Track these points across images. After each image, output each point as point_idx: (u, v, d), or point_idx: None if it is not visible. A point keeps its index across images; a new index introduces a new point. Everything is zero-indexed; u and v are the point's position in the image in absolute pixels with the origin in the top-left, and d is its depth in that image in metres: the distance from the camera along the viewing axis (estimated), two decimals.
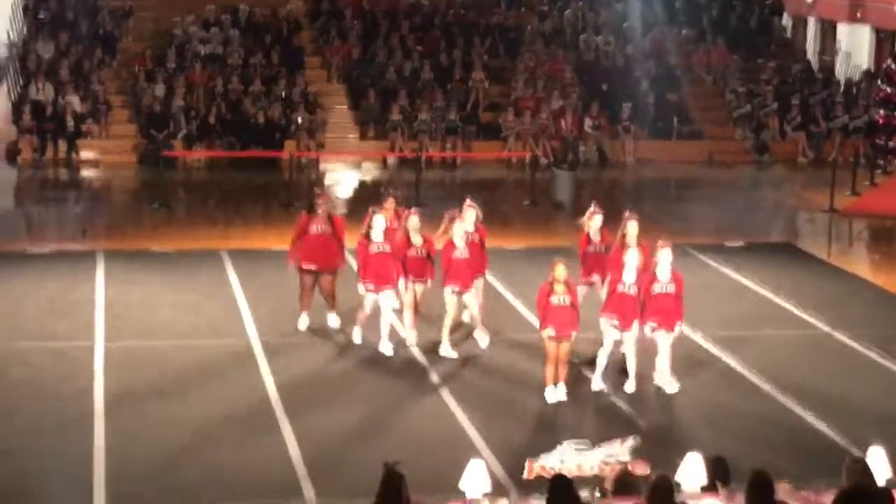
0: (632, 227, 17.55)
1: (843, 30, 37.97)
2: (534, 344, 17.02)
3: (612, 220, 18.30)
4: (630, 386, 16.52)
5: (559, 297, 16.00)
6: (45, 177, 30.72)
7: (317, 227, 18.45)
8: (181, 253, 22.92)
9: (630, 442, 13.02)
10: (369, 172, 32.12)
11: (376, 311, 17.92)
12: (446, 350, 17.74)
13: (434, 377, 17.08)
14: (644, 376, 16.75)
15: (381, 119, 33.50)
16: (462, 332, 18.42)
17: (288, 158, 30.12)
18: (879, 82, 33.46)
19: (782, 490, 11.17)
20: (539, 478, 12.65)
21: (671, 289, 16.42)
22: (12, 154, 31.35)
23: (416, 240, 17.98)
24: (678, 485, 11.40)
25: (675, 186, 32.17)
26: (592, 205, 18.58)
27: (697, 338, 18.36)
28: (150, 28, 35.77)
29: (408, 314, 18.23)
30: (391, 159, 32.76)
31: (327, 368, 17.45)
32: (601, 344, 16.64)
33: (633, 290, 16.42)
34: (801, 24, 39.77)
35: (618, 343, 16.61)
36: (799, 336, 19.27)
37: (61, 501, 13.38)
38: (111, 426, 15.11)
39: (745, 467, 11.17)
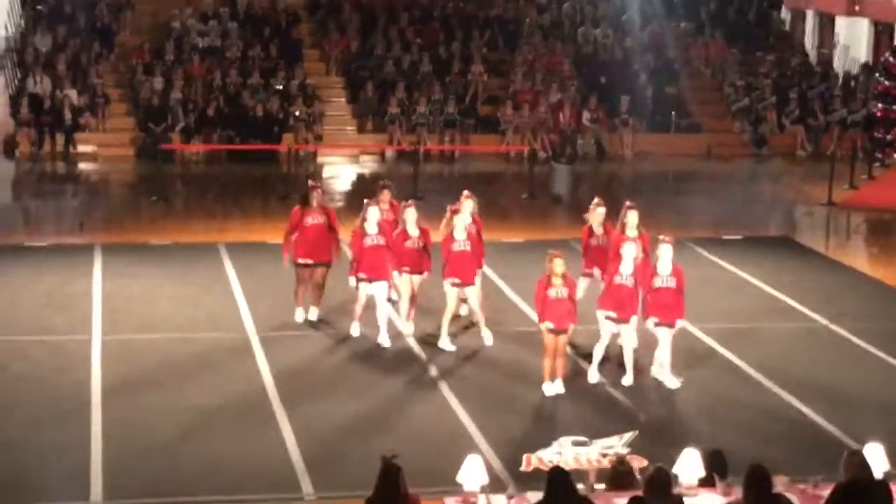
0: (632, 217, 17.60)
1: (841, 23, 37.96)
2: (532, 337, 17.01)
3: (611, 214, 18.28)
4: (628, 379, 16.51)
5: (557, 290, 15.98)
6: (43, 170, 30.70)
7: (312, 219, 18.44)
8: (179, 246, 22.92)
9: (628, 436, 13.03)
10: (367, 165, 32.11)
11: (371, 304, 17.91)
12: (445, 343, 17.73)
13: (432, 370, 17.08)
14: (643, 370, 16.74)
15: (379, 112, 33.50)
16: (459, 325, 18.40)
17: (286, 151, 30.11)
18: (878, 75, 33.45)
19: (780, 483, 11.18)
20: (537, 471, 12.65)
21: (672, 283, 16.39)
22: (10, 147, 31.34)
23: (413, 231, 17.98)
24: (676, 477, 11.39)
25: (673, 180, 32.15)
26: (595, 197, 18.57)
27: (695, 331, 18.33)
28: (147, 21, 35.73)
29: (404, 306, 18.24)
30: (389, 152, 32.75)
31: (325, 361, 17.45)
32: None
33: (629, 282, 16.41)
34: (799, 17, 39.75)
35: (615, 336, 16.61)
36: (797, 329, 19.27)
37: (59, 493, 13.37)
38: (108, 419, 15.10)
39: (742, 460, 11.18)
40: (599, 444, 12.87)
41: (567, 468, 11.36)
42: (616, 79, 35.14)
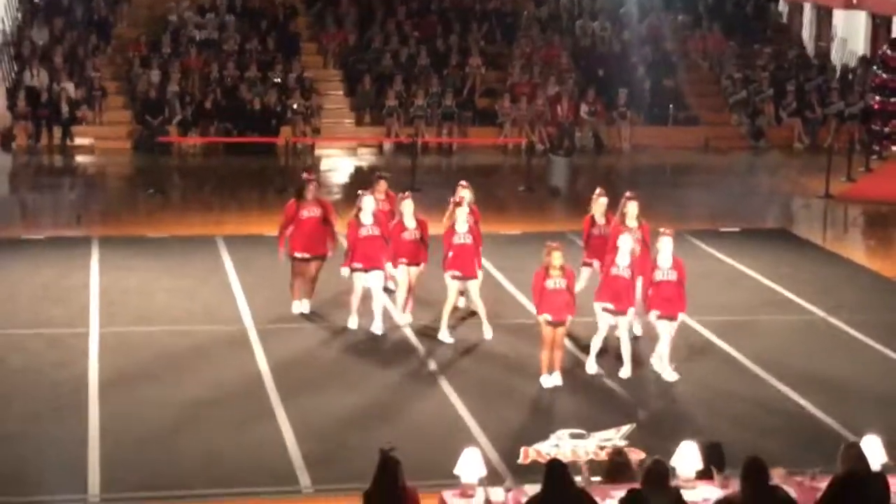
0: (632, 207, 17.61)
1: (838, 15, 37.93)
2: (530, 329, 17.00)
3: (610, 206, 18.27)
4: (625, 371, 16.51)
5: (555, 281, 15.97)
6: (40, 163, 30.68)
7: (308, 212, 18.44)
8: (176, 239, 22.90)
9: (625, 428, 13.04)
10: (365, 158, 32.10)
11: (368, 296, 17.93)
12: (444, 335, 17.72)
13: (430, 362, 17.07)
14: (642, 362, 16.75)
15: (376, 105, 33.48)
16: (457, 317, 18.38)
17: (283, 144, 30.09)
18: (875, 68, 33.46)
19: (777, 475, 11.19)
20: (534, 463, 12.65)
21: (673, 276, 16.38)
22: (7, 140, 31.30)
23: (410, 223, 17.98)
24: (673, 470, 11.40)
25: (671, 172, 32.15)
26: (598, 188, 18.58)
27: (693, 323, 18.33)
28: (144, 14, 35.70)
29: (401, 297, 18.25)
30: (387, 145, 32.75)
31: (322, 354, 17.44)
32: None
33: (626, 273, 16.40)
34: (796, 9, 39.73)
35: (613, 328, 16.60)
36: (794, 321, 19.27)
37: (56, 486, 13.34)
38: (106, 412, 15.09)
39: (740, 453, 11.19)
40: (597, 437, 12.87)
41: (565, 461, 11.37)
42: (614, 71, 35.14)
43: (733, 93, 35.46)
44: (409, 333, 18.06)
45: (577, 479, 11.32)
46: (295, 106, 32.37)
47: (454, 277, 17.65)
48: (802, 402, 15.90)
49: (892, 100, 32.38)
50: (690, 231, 23.48)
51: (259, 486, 13.36)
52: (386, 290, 18.55)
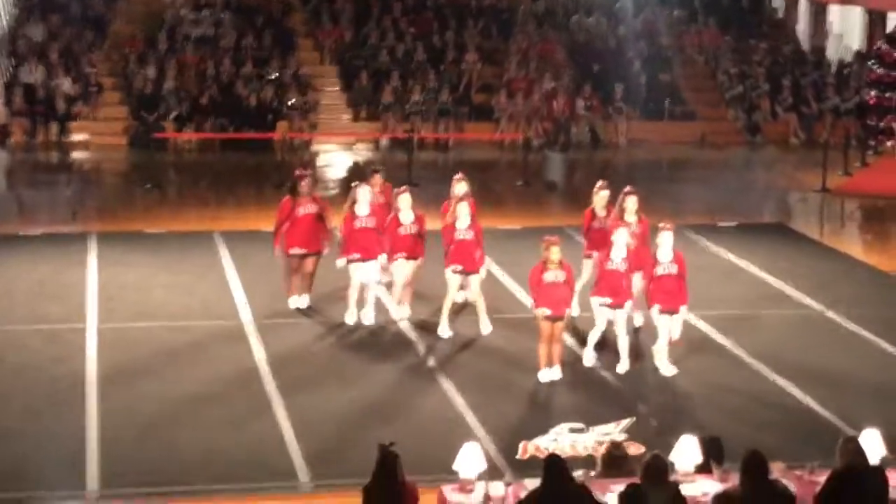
0: (631, 202, 17.63)
1: (834, 11, 37.93)
2: (528, 323, 16.99)
3: (609, 201, 18.28)
4: (623, 366, 16.51)
5: (553, 275, 15.96)
6: (36, 159, 30.64)
7: (303, 209, 18.44)
8: (173, 234, 22.90)
9: (624, 423, 13.07)
10: (362, 154, 32.08)
11: (365, 288, 17.95)
12: (444, 330, 17.72)
13: (428, 357, 17.07)
14: (640, 356, 16.76)
15: (373, 101, 33.47)
16: (453, 311, 18.36)
17: (280, 140, 30.08)
18: (871, 63, 33.46)
19: (776, 470, 11.20)
20: (533, 458, 12.70)
21: (673, 269, 16.38)
22: (3, 136, 31.28)
23: (407, 217, 17.97)
24: (672, 464, 11.41)
25: (667, 167, 32.15)
26: (599, 180, 18.59)
27: (690, 318, 18.33)
28: (140, 10, 35.66)
29: (398, 292, 18.25)
30: (383, 140, 32.73)
31: (320, 349, 17.44)
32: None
33: (622, 267, 16.39)
34: (792, 5, 39.72)
35: (611, 322, 16.59)
36: (792, 316, 19.28)
37: (55, 482, 13.34)
38: (104, 408, 15.09)
39: (739, 447, 11.20)
40: (596, 431, 12.94)
41: (564, 455, 11.38)
42: (610, 67, 35.13)
43: (729, 88, 35.47)
44: (406, 328, 18.06)
45: (577, 473, 11.32)
46: (291, 102, 32.36)
47: (455, 272, 17.65)
48: (800, 395, 15.92)
49: (888, 95, 32.38)
50: (687, 226, 23.47)
51: (258, 482, 13.36)
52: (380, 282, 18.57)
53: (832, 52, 37.58)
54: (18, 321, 18.23)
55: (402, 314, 18.28)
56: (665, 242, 16.43)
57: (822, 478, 11.14)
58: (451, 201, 18.57)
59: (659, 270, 16.36)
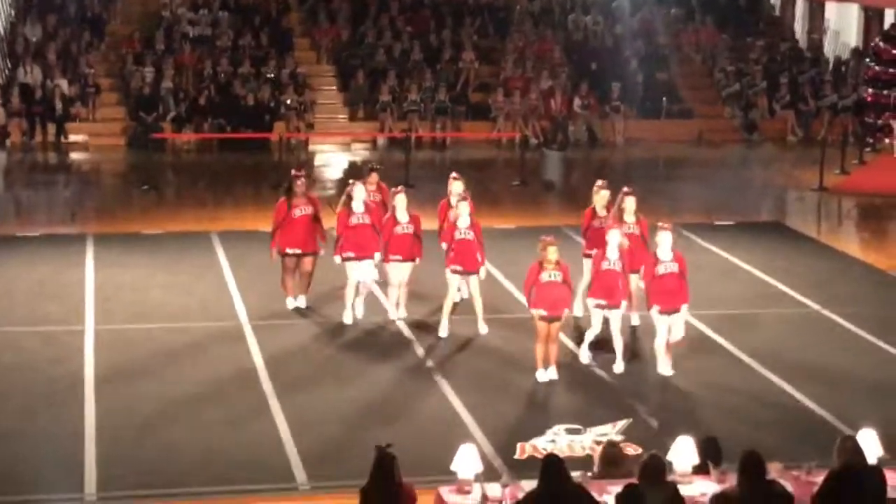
0: (629, 202, 17.65)
1: (831, 8, 37.95)
2: (525, 324, 16.99)
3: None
4: (619, 366, 16.50)
5: (549, 275, 15.96)
6: (34, 160, 30.66)
7: (299, 210, 18.46)
8: (171, 235, 22.89)
9: (621, 423, 13.07)
10: (359, 153, 32.07)
11: (361, 287, 17.99)
12: (444, 330, 17.71)
13: (425, 357, 17.07)
14: (637, 356, 16.76)
15: (370, 100, 33.47)
16: (455, 312, 18.38)
17: (277, 140, 30.09)
18: (868, 61, 33.47)
19: (774, 470, 11.20)
20: (531, 458, 12.70)
21: (674, 268, 16.37)
22: (1, 137, 31.27)
23: (403, 217, 17.97)
24: (670, 465, 11.41)
25: (664, 165, 32.16)
26: (599, 180, 18.60)
27: (688, 317, 18.32)
28: (138, 10, 35.66)
29: (394, 292, 18.25)
30: (381, 140, 32.76)
31: (318, 349, 17.45)
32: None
33: (617, 267, 16.40)
34: (789, 2, 39.74)
35: (607, 322, 16.59)
36: (789, 314, 19.29)
37: (53, 485, 13.33)
38: (102, 409, 15.09)
39: (736, 447, 11.21)
40: (593, 432, 12.94)
41: (561, 455, 11.38)
42: (607, 65, 35.13)
43: (726, 86, 35.48)
44: (404, 328, 18.07)
45: (575, 474, 11.32)
46: (288, 101, 32.37)
47: (455, 272, 17.65)
48: (797, 394, 15.92)
49: (886, 92, 32.40)
50: (684, 224, 23.48)
51: (256, 484, 13.35)
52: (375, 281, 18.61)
53: (829, 50, 37.61)
54: (16, 322, 18.22)
55: (399, 314, 18.28)
56: (664, 242, 16.42)
57: (819, 478, 11.14)
58: (447, 200, 18.60)
59: (660, 270, 16.35)
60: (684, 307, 16.46)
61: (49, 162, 30.74)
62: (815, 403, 15.60)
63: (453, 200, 18.46)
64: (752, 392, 16.09)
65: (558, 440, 13.16)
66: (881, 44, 32.52)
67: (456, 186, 18.59)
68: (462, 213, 17.68)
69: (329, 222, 18.77)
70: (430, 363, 16.89)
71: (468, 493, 11.42)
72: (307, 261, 18.54)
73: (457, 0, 36.98)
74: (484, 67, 35.13)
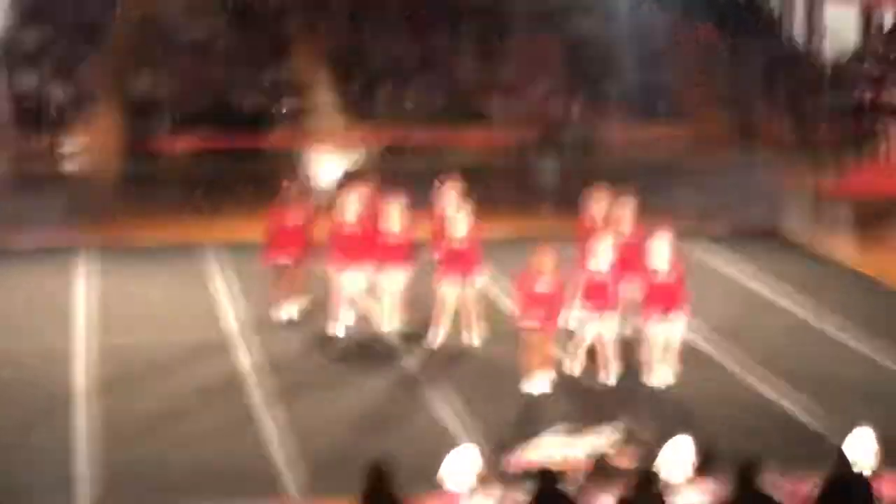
0: (625, 209, 17.62)
1: (830, 9, 37.89)
2: (517, 333, 16.91)
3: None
4: (609, 376, 16.44)
5: (542, 285, 15.92)
6: (28, 168, 30.55)
7: (291, 218, 18.44)
8: (164, 247, 22.84)
9: (613, 433, 13.03)
10: (355, 160, 31.99)
11: (353, 297, 17.94)
12: (438, 338, 17.68)
13: (418, 367, 17.03)
14: (629, 365, 16.72)
15: (366, 106, 33.42)
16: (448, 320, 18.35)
17: (273, 147, 30.04)
18: (866, 63, 33.42)
19: (766, 479, 11.16)
20: (523, 469, 12.66)
21: (672, 276, 16.34)
22: None
23: (395, 226, 17.93)
24: (662, 473, 11.37)
25: (660, 168, 32.06)
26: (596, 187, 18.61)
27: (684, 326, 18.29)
28: (134, 17, 35.58)
29: (387, 301, 18.20)
30: (377, 146, 32.67)
31: (310, 360, 17.41)
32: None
33: (608, 276, 16.35)
34: (787, 3, 39.69)
35: (597, 331, 16.50)
36: (784, 321, 19.24)
37: (44, 499, 13.30)
38: (93, 423, 15.05)
39: (729, 456, 11.18)
40: (585, 443, 12.89)
41: (553, 466, 11.36)
42: (604, 68, 35.08)
43: (723, 88, 35.43)
44: (395, 339, 18.02)
45: (566, 486, 11.28)
46: (284, 109, 32.33)
47: (452, 281, 17.61)
48: (790, 404, 15.88)
49: (883, 94, 32.36)
50: (678, 229, 23.36)
51: (246, 496, 13.31)
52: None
53: (827, 51, 37.53)
54: (6, 335, 18.16)
55: (391, 324, 18.23)
56: (662, 249, 16.37)
57: (811, 486, 11.12)
58: (441, 208, 18.58)
59: (658, 277, 16.31)
60: (682, 315, 16.40)
61: (43, 170, 30.63)
62: (806, 413, 15.55)
63: (448, 208, 18.44)
64: (744, 401, 16.05)
65: (551, 451, 13.10)
66: (879, 45, 32.47)
67: (451, 194, 18.57)
68: (460, 220, 17.65)
69: (321, 231, 18.72)
70: (422, 373, 16.85)
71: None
72: (298, 270, 18.50)
73: (453, 3, 36.94)
74: (481, 71, 35.07)
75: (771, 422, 15.40)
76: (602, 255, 16.36)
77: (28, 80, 32.05)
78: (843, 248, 24.43)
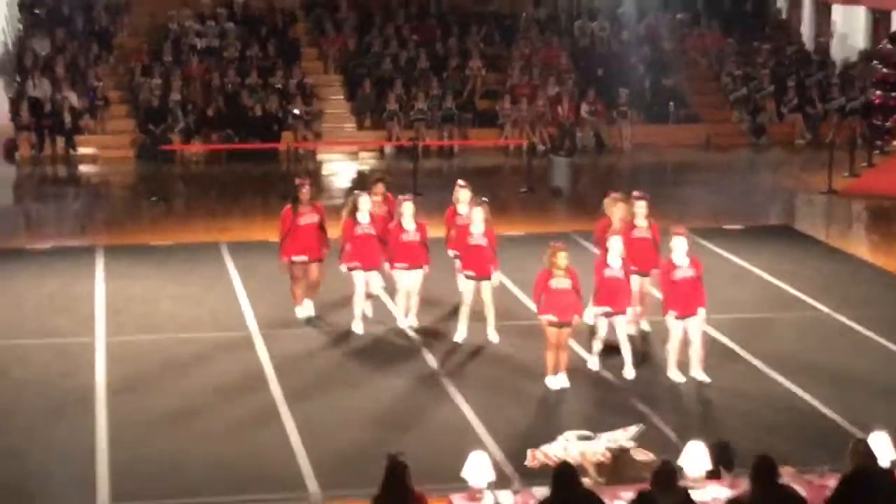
0: (640, 207, 17.67)
1: (838, 11, 37.93)
2: (535, 330, 16.96)
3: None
4: (629, 372, 16.48)
5: (559, 282, 15.96)
6: (44, 173, 30.71)
7: (305, 217, 18.49)
8: (180, 246, 22.91)
9: (633, 429, 13.04)
10: (366, 162, 32.12)
11: (369, 295, 18.04)
12: (461, 334, 17.72)
13: (435, 365, 17.06)
14: (648, 361, 16.75)
15: (377, 109, 33.51)
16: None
17: (285, 150, 30.14)
18: (875, 63, 33.45)
19: (786, 474, 11.19)
20: (542, 465, 12.68)
21: (691, 273, 16.35)
22: (10, 151, 31.36)
23: (409, 225, 17.97)
24: (682, 470, 11.41)
25: (672, 171, 32.16)
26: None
27: (704, 322, 18.31)
28: (145, 22, 35.72)
29: (402, 300, 18.26)
30: (388, 148, 32.78)
31: (328, 358, 17.45)
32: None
33: (620, 274, 16.39)
34: (795, 5, 39.72)
35: (612, 329, 16.55)
36: (799, 318, 19.27)
37: (64, 499, 13.35)
38: (113, 422, 15.09)
39: (748, 452, 11.20)
40: (605, 438, 12.90)
41: (573, 463, 11.37)
42: (613, 71, 35.17)
43: (734, 90, 35.49)
44: (413, 336, 18.07)
45: (586, 481, 11.32)
46: (296, 111, 32.42)
47: (469, 278, 17.67)
48: (809, 398, 15.90)
49: (893, 94, 32.39)
50: (693, 229, 23.38)
51: (267, 493, 13.36)
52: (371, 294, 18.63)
53: (836, 52, 37.57)
54: (26, 335, 18.24)
55: (409, 323, 18.29)
56: (679, 247, 16.40)
57: (832, 481, 11.14)
58: (454, 208, 18.63)
59: (677, 275, 16.33)
60: (702, 311, 16.41)
61: (58, 175, 30.79)
62: (826, 407, 15.58)
63: (460, 208, 18.50)
64: (763, 396, 16.07)
65: (570, 447, 13.12)
66: (888, 46, 32.50)
67: (463, 194, 18.64)
68: (476, 219, 17.70)
69: (334, 231, 18.78)
70: (440, 371, 16.89)
71: (479, 500, 11.44)
72: (314, 268, 18.55)
73: (463, 8, 37.02)
74: (491, 75, 35.15)
75: (791, 416, 15.42)
76: (617, 253, 16.40)
77: (42, 87, 32.13)
78: (858, 244, 24.46)
